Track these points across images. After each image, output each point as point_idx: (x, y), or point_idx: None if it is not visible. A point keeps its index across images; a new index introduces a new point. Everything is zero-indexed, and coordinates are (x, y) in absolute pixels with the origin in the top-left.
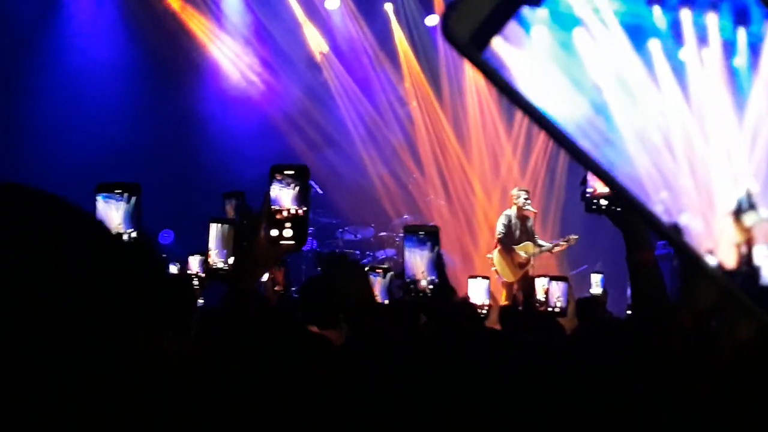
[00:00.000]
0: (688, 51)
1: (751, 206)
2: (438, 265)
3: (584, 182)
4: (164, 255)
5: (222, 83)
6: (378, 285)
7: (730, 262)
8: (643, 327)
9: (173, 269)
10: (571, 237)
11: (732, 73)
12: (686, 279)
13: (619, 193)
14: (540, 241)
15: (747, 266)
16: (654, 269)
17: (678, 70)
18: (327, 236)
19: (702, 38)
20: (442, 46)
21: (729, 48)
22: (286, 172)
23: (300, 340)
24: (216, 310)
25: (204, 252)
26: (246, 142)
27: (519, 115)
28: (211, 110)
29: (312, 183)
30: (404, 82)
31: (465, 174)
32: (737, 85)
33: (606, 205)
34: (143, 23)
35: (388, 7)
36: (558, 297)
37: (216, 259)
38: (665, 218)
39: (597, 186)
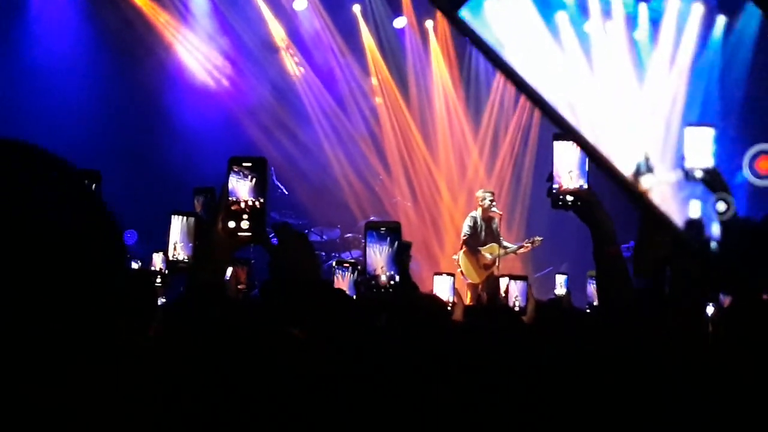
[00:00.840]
0: (593, 23)
1: (649, 169)
2: (399, 261)
3: (551, 178)
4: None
5: (186, 79)
6: (345, 281)
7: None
8: (609, 317)
9: (135, 267)
10: (535, 239)
11: (633, 45)
12: (644, 231)
13: (588, 153)
14: (505, 243)
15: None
16: (620, 263)
17: (583, 40)
18: None
19: (606, 12)
20: (410, 47)
21: (631, 22)
22: (244, 164)
23: (261, 334)
24: (176, 302)
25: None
26: (211, 140)
27: (486, 117)
28: (174, 107)
29: (278, 183)
30: (371, 83)
31: (431, 175)
32: (638, 56)
33: (572, 201)
34: (107, 18)
35: (356, 9)
36: (516, 296)
37: (180, 252)
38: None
39: (563, 182)
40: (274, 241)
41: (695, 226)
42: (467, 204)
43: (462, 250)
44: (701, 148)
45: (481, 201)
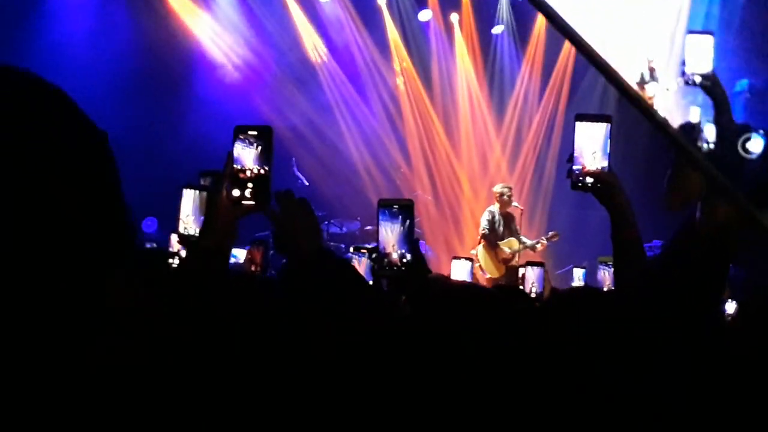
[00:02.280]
0: None
1: (653, 78)
2: (411, 240)
3: (571, 159)
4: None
5: (210, 70)
6: (362, 266)
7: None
8: (627, 301)
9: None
10: (552, 234)
11: None
12: (676, 166)
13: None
14: (523, 238)
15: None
16: (638, 247)
17: None
18: None
19: None
20: (434, 41)
21: None
22: (249, 132)
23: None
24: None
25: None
26: (231, 128)
27: (509, 112)
28: (196, 95)
29: (299, 174)
30: (395, 76)
31: (453, 170)
32: None
33: (592, 183)
34: (133, 8)
35: (381, 1)
36: (533, 282)
37: (191, 225)
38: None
39: (586, 163)
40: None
41: (694, 130)
42: (488, 199)
43: (480, 245)
44: (701, 55)
45: (499, 196)
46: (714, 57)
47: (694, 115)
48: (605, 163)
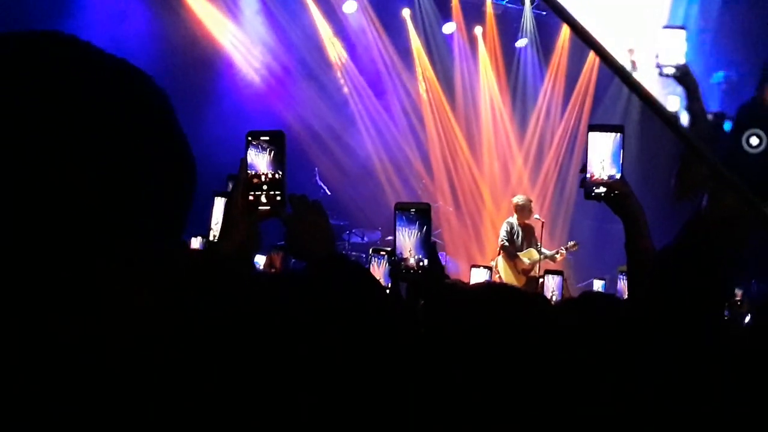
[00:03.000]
0: None
1: (634, 70)
2: (428, 244)
3: (584, 169)
4: None
5: (235, 80)
6: (381, 268)
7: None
8: (639, 312)
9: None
10: (570, 244)
11: None
12: (685, 156)
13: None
14: (542, 249)
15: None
16: (651, 256)
17: None
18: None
19: None
20: (458, 53)
21: None
22: (261, 138)
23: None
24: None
25: (206, 233)
26: None
27: (532, 125)
28: (218, 103)
29: (321, 184)
30: (418, 88)
31: (475, 181)
32: None
33: (605, 192)
34: (157, 11)
35: (406, 13)
36: (553, 290)
37: None
38: None
39: (595, 172)
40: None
41: (673, 118)
42: (509, 211)
43: (500, 256)
44: (674, 48)
45: (518, 207)
46: (687, 50)
47: (673, 104)
48: (615, 172)
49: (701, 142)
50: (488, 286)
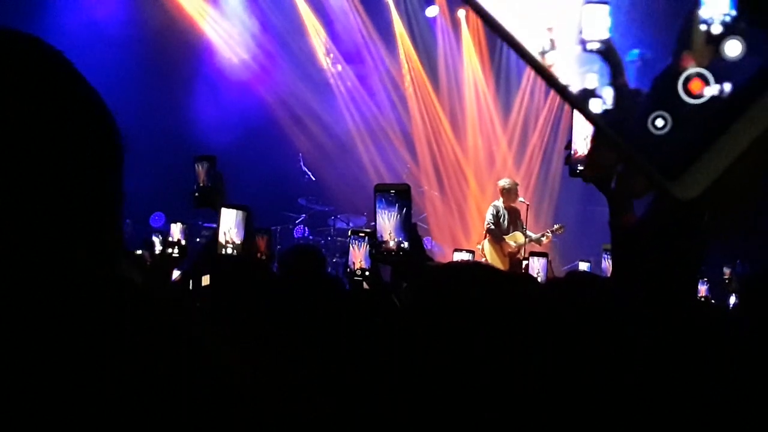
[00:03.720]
0: None
1: (552, 47)
2: (408, 227)
3: (569, 146)
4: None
5: (214, 63)
6: (362, 251)
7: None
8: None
9: (156, 241)
10: (557, 227)
11: None
12: (595, 143)
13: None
14: (528, 232)
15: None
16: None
17: None
18: (319, 224)
19: None
20: (441, 37)
21: None
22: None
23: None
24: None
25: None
26: (238, 124)
27: (516, 108)
28: (202, 90)
29: (305, 169)
30: (401, 72)
31: (459, 166)
32: None
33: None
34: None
35: None
36: (538, 272)
37: (235, 238)
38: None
39: (579, 149)
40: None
41: (589, 94)
42: (494, 194)
43: (486, 240)
44: (597, 23)
45: (504, 191)
46: (610, 25)
47: (591, 82)
48: None
49: (607, 124)
50: (474, 265)
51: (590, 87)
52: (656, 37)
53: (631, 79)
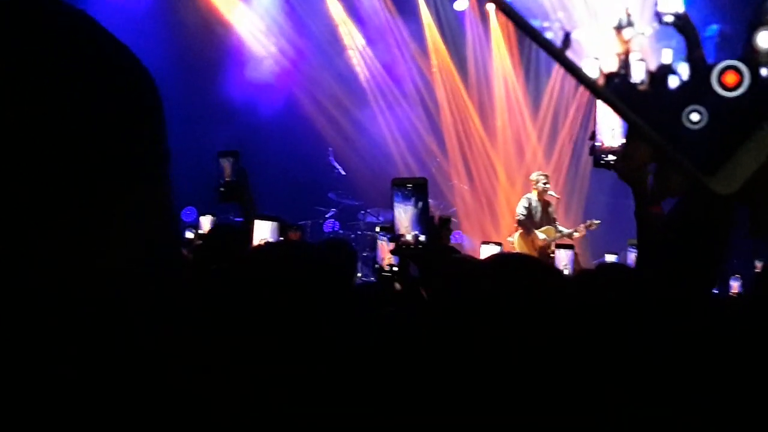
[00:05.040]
0: None
1: (629, 23)
2: (424, 220)
3: (593, 137)
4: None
5: (244, 57)
6: (391, 246)
7: (612, 66)
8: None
9: (189, 235)
10: (592, 222)
11: None
12: (629, 143)
13: (586, 84)
14: (560, 227)
15: (624, 69)
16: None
17: None
18: (349, 218)
19: None
20: (470, 30)
21: None
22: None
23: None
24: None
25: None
26: (268, 118)
27: (546, 101)
28: (231, 83)
29: (335, 164)
30: (430, 65)
31: (489, 159)
32: None
33: (614, 161)
34: (175, 3)
35: None
36: (565, 264)
37: None
38: (560, 33)
39: (604, 140)
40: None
41: (666, 70)
42: (524, 188)
43: (517, 232)
44: None
45: (535, 184)
46: None
47: (667, 57)
48: (624, 140)
49: (643, 119)
50: (500, 256)
51: (666, 62)
52: (738, 12)
53: (709, 56)
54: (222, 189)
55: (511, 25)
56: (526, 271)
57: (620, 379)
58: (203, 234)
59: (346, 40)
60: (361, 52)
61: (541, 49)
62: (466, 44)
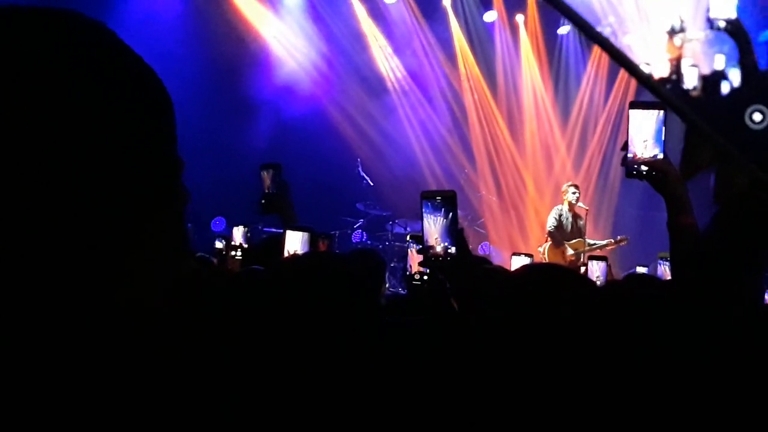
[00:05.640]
0: None
1: (682, 29)
2: (454, 231)
3: (625, 147)
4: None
5: (277, 72)
6: (416, 254)
7: (664, 71)
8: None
9: (218, 245)
10: (622, 237)
11: None
12: (688, 142)
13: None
14: (589, 239)
15: (676, 74)
16: (695, 234)
17: None
18: (377, 228)
19: None
20: (499, 41)
21: None
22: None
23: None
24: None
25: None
26: (298, 129)
27: (575, 112)
28: (262, 95)
29: (363, 175)
30: (460, 77)
31: (517, 170)
32: None
33: (647, 171)
34: (203, 10)
35: (446, 2)
36: (598, 276)
37: None
38: (612, 39)
39: (637, 151)
40: None
41: (717, 75)
42: (553, 199)
43: (547, 244)
44: (725, 1)
45: (565, 195)
46: (737, 3)
47: (719, 63)
48: (658, 151)
49: (704, 122)
50: (532, 266)
51: (718, 68)
52: None
53: (763, 61)
54: (262, 201)
55: (540, 37)
56: (558, 281)
57: (650, 390)
58: (235, 245)
59: (374, 49)
60: (389, 63)
61: (603, 50)
62: (495, 55)
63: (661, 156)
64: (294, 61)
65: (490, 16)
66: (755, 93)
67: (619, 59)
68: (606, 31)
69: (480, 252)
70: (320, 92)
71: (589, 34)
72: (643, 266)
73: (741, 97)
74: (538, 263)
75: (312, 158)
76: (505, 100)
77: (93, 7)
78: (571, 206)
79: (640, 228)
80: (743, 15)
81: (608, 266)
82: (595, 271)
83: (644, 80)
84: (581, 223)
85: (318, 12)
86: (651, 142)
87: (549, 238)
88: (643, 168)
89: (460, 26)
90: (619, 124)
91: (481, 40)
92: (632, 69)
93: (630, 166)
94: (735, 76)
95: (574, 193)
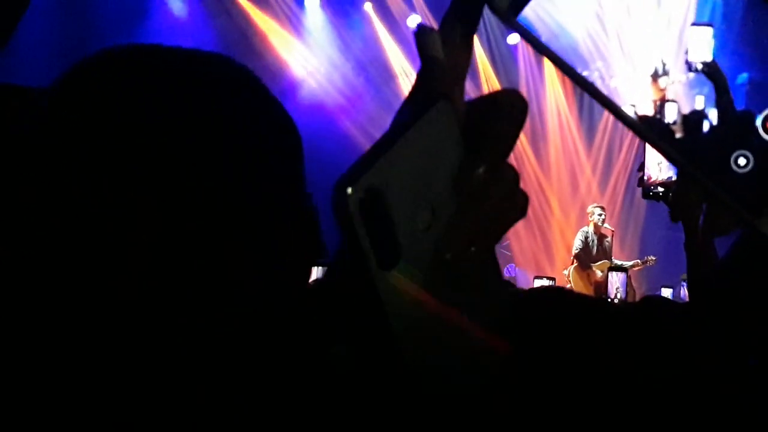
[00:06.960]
0: None
1: (665, 72)
2: None
3: (641, 168)
4: None
5: (297, 92)
6: None
7: (648, 112)
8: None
9: None
10: (649, 258)
11: None
12: (679, 186)
13: (628, 124)
14: (616, 261)
15: (659, 114)
16: (712, 253)
17: None
18: None
19: None
20: (522, 63)
21: None
22: None
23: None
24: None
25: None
26: (321, 153)
27: (600, 132)
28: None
29: None
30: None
31: (542, 191)
32: None
33: (663, 192)
34: (220, 25)
35: None
36: (617, 288)
37: None
38: (599, 83)
39: (651, 173)
40: None
41: (697, 115)
42: (578, 220)
43: (573, 266)
44: (702, 44)
45: (591, 216)
46: (714, 46)
47: (699, 103)
48: (671, 173)
49: (692, 164)
50: (535, 289)
51: (699, 108)
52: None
53: (741, 102)
54: None
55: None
56: (554, 303)
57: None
58: None
59: (398, 73)
60: (410, 81)
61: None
62: (519, 77)
63: (674, 178)
64: (312, 78)
65: (513, 39)
66: (731, 131)
67: (606, 104)
68: (594, 76)
69: (505, 274)
70: (339, 109)
71: (575, 79)
72: (668, 287)
73: (719, 135)
74: (542, 287)
75: (332, 178)
76: (529, 121)
77: (115, 20)
78: (597, 227)
79: (666, 248)
80: (721, 58)
81: (628, 277)
82: (615, 282)
83: (629, 124)
84: (607, 244)
85: (340, 34)
86: (665, 164)
87: (575, 260)
88: (659, 189)
89: (484, 48)
90: (645, 145)
91: (504, 62)
92: (618, 113)
93: (646, 187)
94: (714, 116)
95: (600, 214)
